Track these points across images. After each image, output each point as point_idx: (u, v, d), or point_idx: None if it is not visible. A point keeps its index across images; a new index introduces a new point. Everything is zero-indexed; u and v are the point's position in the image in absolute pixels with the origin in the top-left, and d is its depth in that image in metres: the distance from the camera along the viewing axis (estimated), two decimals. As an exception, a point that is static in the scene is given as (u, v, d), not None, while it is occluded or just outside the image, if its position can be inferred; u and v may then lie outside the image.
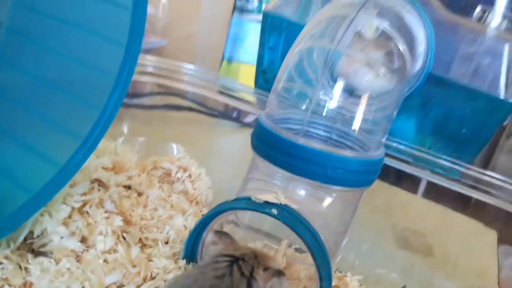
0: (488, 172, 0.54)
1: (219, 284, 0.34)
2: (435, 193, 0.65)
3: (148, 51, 0.98)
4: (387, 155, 0.62)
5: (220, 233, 0.40)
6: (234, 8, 1.06)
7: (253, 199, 0.44)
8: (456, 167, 0.56)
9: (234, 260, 0.36)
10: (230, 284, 0.34)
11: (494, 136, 0.64)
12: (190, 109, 0.79)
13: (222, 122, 0.84)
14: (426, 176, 0.58)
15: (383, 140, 0.52)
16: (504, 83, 0.53)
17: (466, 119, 0.57)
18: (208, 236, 0.40)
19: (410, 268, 0.67)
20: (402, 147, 0.60)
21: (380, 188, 0.70)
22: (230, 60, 1.14)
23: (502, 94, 0.53)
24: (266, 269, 0.37)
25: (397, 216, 0.75)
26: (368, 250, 0.69)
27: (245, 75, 1.06)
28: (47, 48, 0.43)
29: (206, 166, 0.69)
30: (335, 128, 0.54)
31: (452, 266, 0.67)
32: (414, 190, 0.72)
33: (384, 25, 0.50)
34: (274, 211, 0.42)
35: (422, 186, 0.70)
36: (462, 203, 0.66)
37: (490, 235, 0.69)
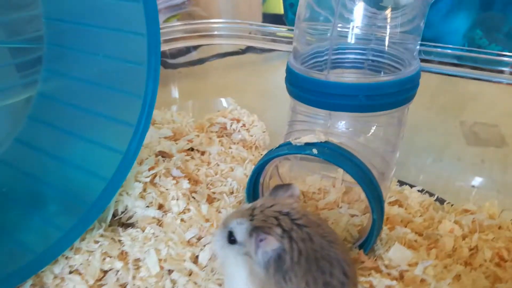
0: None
1: None
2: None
3: (183, 4, 0.99)
4: (434, 62, 0.60)
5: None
6: None
7: (293, 143, 0.46)
8: (503, 58, 0.53)
9: None
10: None
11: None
12: (230, 54, 0.78)
13: (265, 57, 0.79)
14: (475, 75, 0.55)
15: (416, 50, 0.50)
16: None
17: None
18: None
19: (481, 164, 0.66)
20: (449, 51, 0.58)
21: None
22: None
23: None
24: None
25: (466, 112, 0.72)
26: (436, 154, 0.68)
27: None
28: (83, 53, 0.48)
29: (259, 109, 0.71)
30: (369, 48, 0.53)
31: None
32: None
33: None
34: (315, 150, 0.45)
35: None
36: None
37: None
